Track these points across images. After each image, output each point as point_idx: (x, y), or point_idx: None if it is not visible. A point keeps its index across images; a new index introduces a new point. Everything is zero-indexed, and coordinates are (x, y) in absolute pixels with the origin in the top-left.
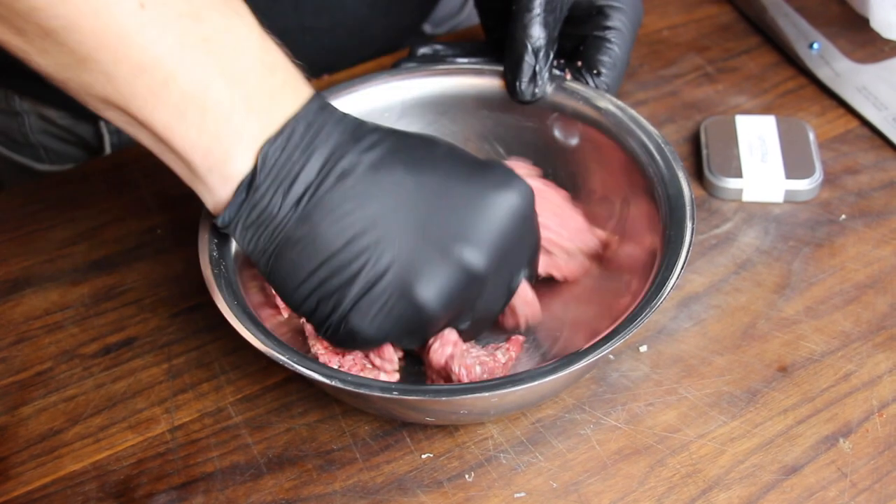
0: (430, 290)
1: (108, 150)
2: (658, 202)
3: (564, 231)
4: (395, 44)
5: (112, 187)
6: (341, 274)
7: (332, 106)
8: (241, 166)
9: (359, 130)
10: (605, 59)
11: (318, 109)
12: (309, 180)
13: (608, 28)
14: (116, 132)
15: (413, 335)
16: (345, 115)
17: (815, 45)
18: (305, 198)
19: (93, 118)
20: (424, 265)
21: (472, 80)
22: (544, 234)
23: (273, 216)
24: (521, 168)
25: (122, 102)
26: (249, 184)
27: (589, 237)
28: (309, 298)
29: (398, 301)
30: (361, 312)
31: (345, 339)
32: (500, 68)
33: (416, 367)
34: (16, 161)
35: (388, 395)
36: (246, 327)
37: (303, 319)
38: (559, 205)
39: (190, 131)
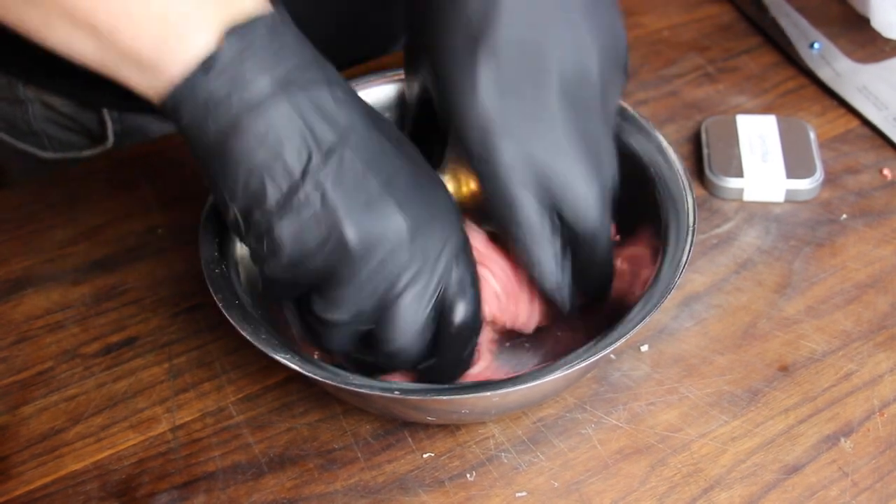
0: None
1: (110, 138)
2: (659, 202)
3: None
4: (390, 42)
5: (113, 187)
6: (273, 175)
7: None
8: (200, 44)
9: (319, 61)
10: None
11: (279, 20)
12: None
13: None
14: (119, 120)
15: (329, 276)
16: (304, 39)
17: (816, 45)
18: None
19: (96, 106)
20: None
21: None
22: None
23: (231, 98)
24: None
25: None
26: (207, 63)
27: None
28: (238, 185)
29: (322, 222)
30: (286, 216)
31: (268, 252)
32: None
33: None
34: (19, 149)
35: (388, 395)
36: (247, 327)
37: None
38: None
39: (138, 20)
